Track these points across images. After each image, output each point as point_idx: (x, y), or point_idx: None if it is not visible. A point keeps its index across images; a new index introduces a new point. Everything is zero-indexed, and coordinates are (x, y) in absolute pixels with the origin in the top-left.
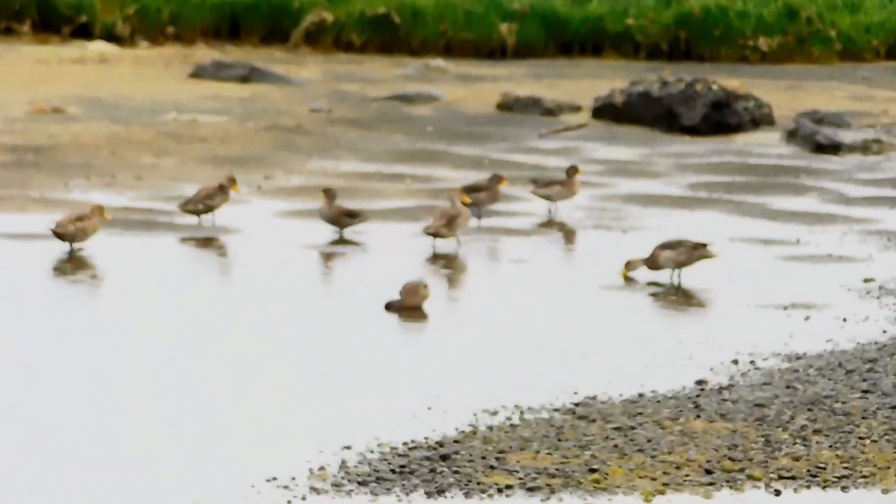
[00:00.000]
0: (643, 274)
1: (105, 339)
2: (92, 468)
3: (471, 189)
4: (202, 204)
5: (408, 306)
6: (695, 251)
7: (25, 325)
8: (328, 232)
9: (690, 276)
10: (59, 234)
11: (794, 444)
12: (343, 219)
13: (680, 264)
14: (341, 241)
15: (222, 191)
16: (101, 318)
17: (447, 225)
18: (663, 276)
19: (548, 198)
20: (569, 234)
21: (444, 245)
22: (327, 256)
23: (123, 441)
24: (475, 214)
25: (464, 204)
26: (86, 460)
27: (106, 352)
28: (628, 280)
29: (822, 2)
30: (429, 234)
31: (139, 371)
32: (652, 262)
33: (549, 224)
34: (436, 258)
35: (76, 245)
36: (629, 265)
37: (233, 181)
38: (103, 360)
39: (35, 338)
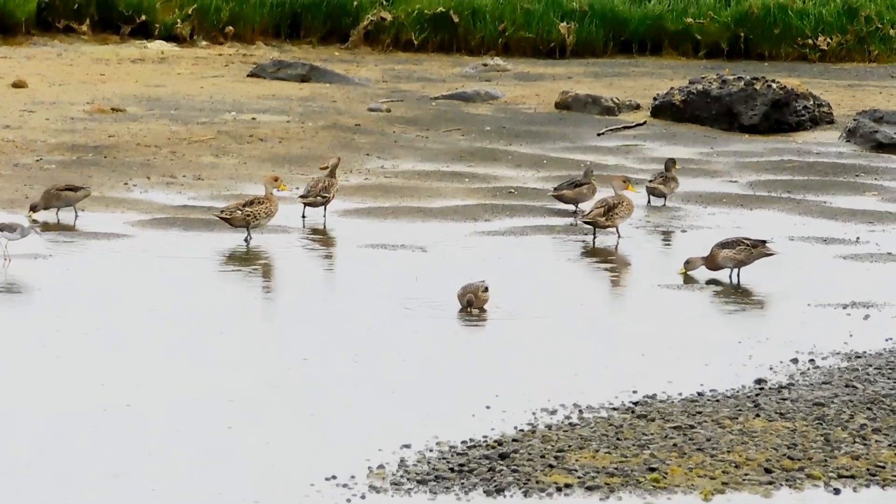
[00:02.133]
0: (702, 273)
1: (167, 335)
2: (152, 466)
3: (571, 185)
4: (320, 196)
5: (470, 307)
6: (754, 249)
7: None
8: (387, 230)
9: (750, 275)
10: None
11: (854, 443)
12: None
13: (739, 263)
14: (399, 239)
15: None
16: (166, 312)
17: (605, 214)
18: (722, 274)
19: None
20: (629, 233)
21: (505, 242)
22: (387, 255)
23: (181, 440)
24: (575, 211)
25: (629, 191)
26: (144, 458)
27: (170, 346)
28: (687, 279)
29: (882, 1)
30: (586, 222)
31: (204, 364)
32: (711, 261)
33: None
34: (493, 256)
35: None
36: (688, 264)
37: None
38: (173, 354)
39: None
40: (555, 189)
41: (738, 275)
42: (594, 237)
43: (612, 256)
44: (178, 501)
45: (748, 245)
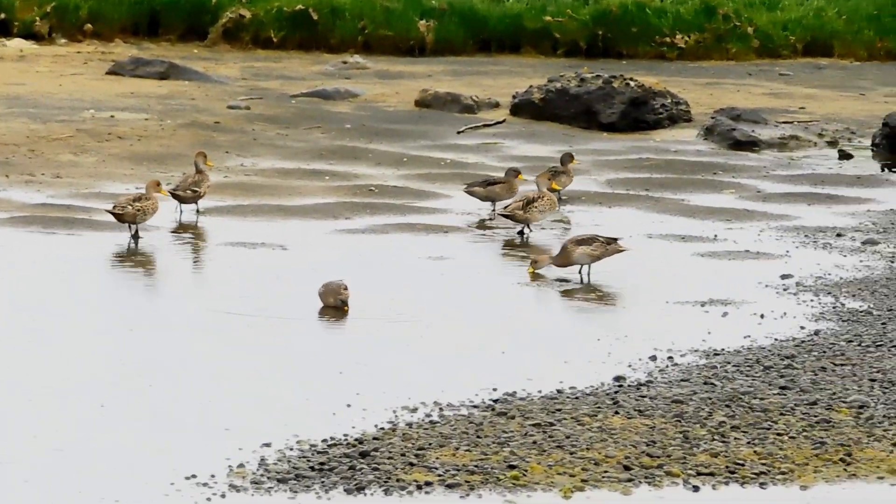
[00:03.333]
0: (551, 271)
1: (22, 335)
2: (12, 467)
3: (487, 183)
4: (190, 190)
5: (329, 306)
6: (608, 246)
7: None
8: (247, 229)
9: (609, 273)
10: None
11: (713, 440)
12: None
13: (594, 259)
14: (264, 238)
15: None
16: (19, 314)
17: (523, 207)
18: (571, 272)
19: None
20: (487, 232)
21: (370, 240)
22: (250, 254)
23: (40, 439)
24: (491, 208)
25: (553, 190)
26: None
27: (23, 348)
28: (535, 277)
29: None
30: (504, 215)
31: (60, 367)
32: (565, 258)
33: (467, 221)
34: (354, 255)
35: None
36: (535, 263)
37: (205, 157)
38: (23, 356)
39: None
40: (468, 185)
41: (590, 272)
42: (524, 234)
43: (472, 255)
44: (37, 500)
45: (602, 242)
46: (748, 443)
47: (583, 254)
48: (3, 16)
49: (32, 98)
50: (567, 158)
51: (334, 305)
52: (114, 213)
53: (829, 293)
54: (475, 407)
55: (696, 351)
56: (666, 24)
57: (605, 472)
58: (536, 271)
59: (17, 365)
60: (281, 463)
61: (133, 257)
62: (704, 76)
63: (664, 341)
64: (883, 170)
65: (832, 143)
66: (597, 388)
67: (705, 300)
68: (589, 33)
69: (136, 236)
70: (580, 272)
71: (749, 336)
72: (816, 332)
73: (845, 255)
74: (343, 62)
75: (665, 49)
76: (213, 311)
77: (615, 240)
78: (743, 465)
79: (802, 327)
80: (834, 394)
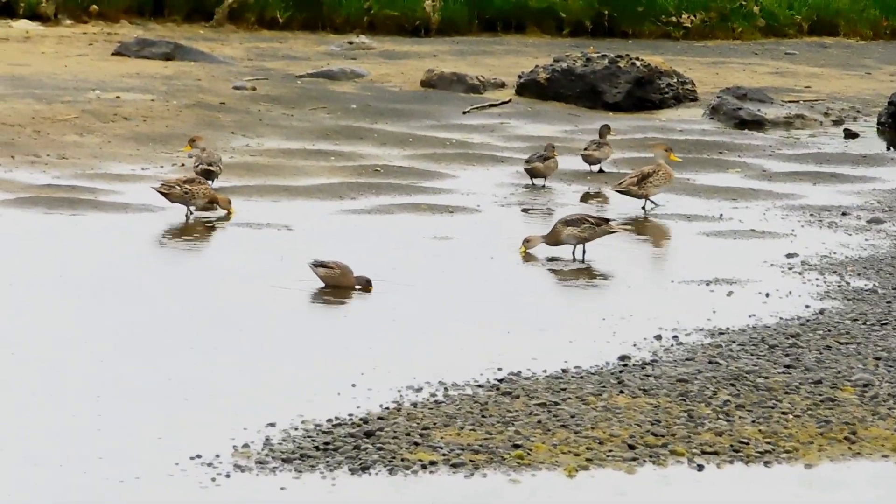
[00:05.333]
0: (543, 250)
1: (25, 316)
2: (19, 442)
3: (533, 159)
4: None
5: (342, 287)
6: (598, 227)
7: None
8: (252, 209)
9: (613, 252)
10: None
11: (717, 419)
12: None
13: (582, 240)
14: (269, 219)
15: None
16: (23, 295)
17: (638, 183)
18: (564, 251)
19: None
20: (494, 212)
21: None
22: (254, 233)
23: (46, 418)
24: (540, 184)
25: (671, 162)
26: (13, 433)
27: (27, 327)
28: (528, 257)
29: None
30: (619, 191)
31: (62, 348)
32: (554, 237)
33: (474, 201)
34: (359, 235)
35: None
36: (528, 242)
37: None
38: (24, 334)
39: None
40: (526, 162)
41: (584, 251)
42: (645, 210)
43: (477, 235)
44: (44, 477)
45: (592, 223)
46: (753, 422)
47: (570, 234)
48: None
49: (37, 79)
50: (605, 130)
51: (355, 286)
52: (160, 192)
53: (835, 272)
54: (480, 386)
55: (700, 330)
56: (671, 4)
57: (610, 451)
58: (528, 251)
59: (13, 339)
60: (286, 443)
61: (137, 238)
62: (710, 55)
63: (669, 320)
64: (888, 148)
65: (838, 122)
66: (601, 368)
67: (710, 279)
68: (594, 13)
69: (189, 217)
70: (573, 252)
71: (754, 315)
72: (821, 311)
73: (851, 234)
74: (348, 42)
75: (671, 28)
76: (217, 292)
77: (607, 220)
78: (747, 443)
79: (807, 306)
80: (839, 372)
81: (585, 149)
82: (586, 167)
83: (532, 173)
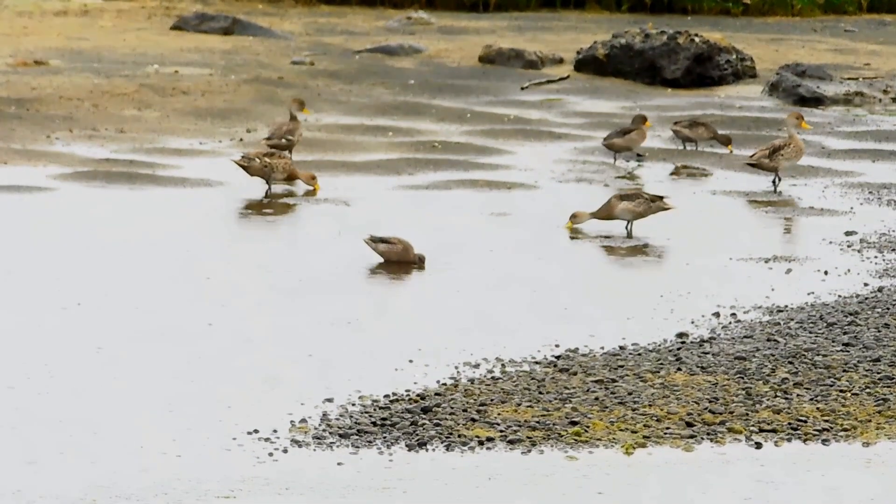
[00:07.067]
0: (592, 225)
1: (88, 291)
2: (72, 422)
3: (619, 133)
4: (284, 139)
5: (403, 262)
6: (652, 203)
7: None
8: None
9: (673, 229)
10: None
11: (776, 397)
12: None
13: (638, 216)
14: (327, 194)
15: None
16: (86, 269)
17: (770, 156)
18: (614, 226)
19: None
20: (552, 188)
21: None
22: (312, 208)
23: (104, 394)
24: (624, 158)
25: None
26: (64, 413)
27: (91, 302)
28: (574, 233)
29: None
30: (750, 164)
31: (122, 322)
32: (608, 212)
33: (531, 177)
34: (417, 210)
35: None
36: (574, 217)
37: (301, 104)
38: (90, 311)
39: (30, 287)
40: (605, 138)
41: (631, 228)
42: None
43: (534, 211)
44: (100, 454)
45: (647, 198)
46: (811, 399)
47: (625, 209)
48: None
49: (96, 53)
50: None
51: (410, 261)
52: (240, 165)
53: (894, 250)
54: (537, 363)
55: (759, 307)
56: None
57: (667, 428)
58: (575, 226)
59: (86, 318)
60: (343, 418)
61: (195, 212)
62: (769, 32)
63: (727, 298)
64: None
65: None
66: (659, 345)
67: (769, 257)
68: None
69: (268, 194)
70: (626, 227)
71: (812, 293)
72: (880, 289)
73: None
74: (407, 18)
75: (730, 5)
76: (273, 268)
77: (661, 197)
78: (805, 421)
79: (866, 284)
80: None
81: (676, 123)
82: (647, 143)
83: (612, 149)
